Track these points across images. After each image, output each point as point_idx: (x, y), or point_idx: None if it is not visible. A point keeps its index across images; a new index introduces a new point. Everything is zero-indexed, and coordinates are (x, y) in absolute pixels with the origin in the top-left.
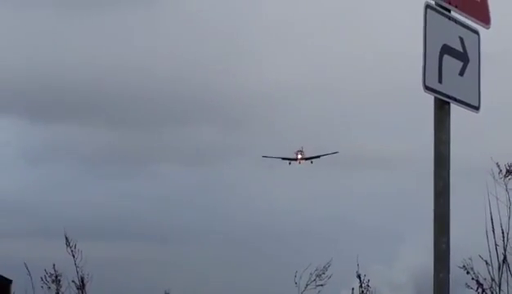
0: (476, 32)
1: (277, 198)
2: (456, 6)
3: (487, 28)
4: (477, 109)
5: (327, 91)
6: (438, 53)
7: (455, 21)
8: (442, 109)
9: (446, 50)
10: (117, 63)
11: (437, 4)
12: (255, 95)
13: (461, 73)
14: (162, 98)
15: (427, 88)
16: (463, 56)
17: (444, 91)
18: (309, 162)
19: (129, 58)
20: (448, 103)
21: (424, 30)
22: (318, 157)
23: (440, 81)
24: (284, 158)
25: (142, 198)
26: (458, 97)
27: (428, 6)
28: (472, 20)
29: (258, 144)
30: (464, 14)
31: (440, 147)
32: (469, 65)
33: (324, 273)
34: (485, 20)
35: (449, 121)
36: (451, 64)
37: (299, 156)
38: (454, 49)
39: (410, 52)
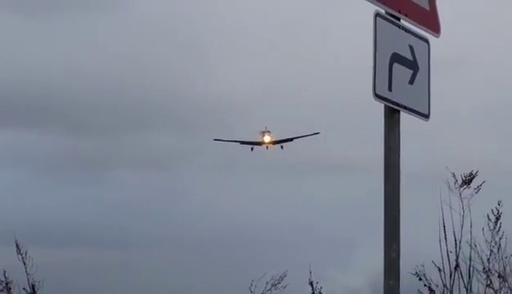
0: (426, 40)
1: (233, 203)
2: (406, 15)
3: (437, 36)
4: (427, 117)
5: (286, 98)
6: (388, 61)
7: (405, 30)
8: (391, 117)
9: (396, 58)
10: (74, 67)
11: (386, 13)
12: (213, 101)
13: (411, 82)
14: (118, 103)
15: (377, 96)
16: (413, 65)
17: (394, 99)
18: (279, 146)
19: (86, 62)
20: (398, 111)
21: (374, 39)
22: (291, 140)
23: (390, 89)
24: (243, 142)
25: (98, 204)
26: (408, 105)
27: (377, 15)
28: (422, 29)
29: (216, 149)
30: (414, 22)
31: (389, 154)
32: (418, 73)
33: (280, 283)
34: (435, 28)
35: (399, 129)
36: (401, 72)
37: (266, 138)
38: (404, 57)
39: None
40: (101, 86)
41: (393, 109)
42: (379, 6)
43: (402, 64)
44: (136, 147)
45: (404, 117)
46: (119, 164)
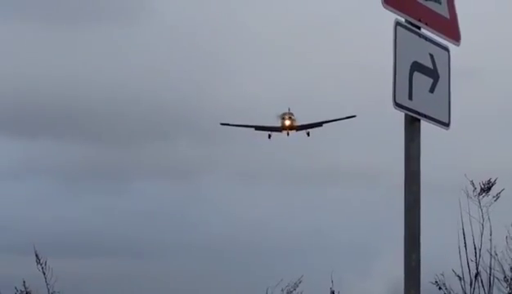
0: (446, 49)
1: (252, 211)
2: (426, 24)
3: (457, 45)
4: (447, 125)
5: (305, 105)
6: (409, 70)
7: (426, 38)
8: (412, 125)
9: (416, 67)
10: (92, 77)
11: (407, 21)
12: (232, 110)
13: (431, 90)
14: (137, 113)
15: (397, 105)
16: (433, 73)
17: (414, 108)
18: (304, 133)
19: (106, 73)
20: (419, 120)
21: (394, 47)
22: (320, 124)
23: (410, 98)
24: (259, 128)
25: (117, 214)
26: (428, 114)
27: (398, 24)
28: (442, 37)
29: (237, 158)
30: (434, 31)
31: (410, 163)
32: (439, 82)
33: (295, 290)
34: (455, 36)
35: (419, 137)
36: (422, 80)
37: (287, 122)
38: (424, 66)
39: (388, 67)
40: (119, 96)
41: (414, 117)
42: (400, 15)
43: (423, 73)
44: (155, 156)
45: (423, 124)
46: (137, 174)
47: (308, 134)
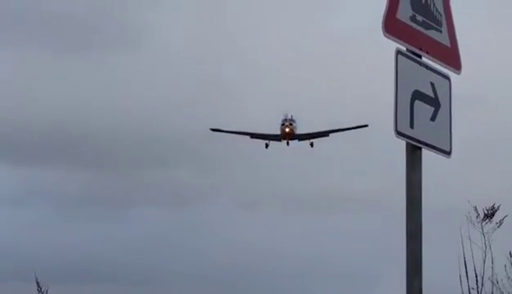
0: (447, 77)
1: (252, 237)
2: (427, 52)
3: (458, 73)
4: (448, 153)
5: (305, 130)
6: (410, 98)
7: (426, 67)
8: (413, 153)
9: (417, 95)
10: (95, 104)
11: (408, 50)
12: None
13: (433, 119)
14: (140, 140)
15: (399, 134)
16: (434, 102)
17: (416, 137)
18: (308, 144)
19: (107, 100)
20: (420, 148)
21: (396, 76)
22: (327, 134)
23: (412, 126)
24: (255, 135)
25: (119, 240)
26: (429, 142)
27: (399, 52)
28: (443, 66)
29: (237, 186)
30: (435, 60)
31: (412, 191)
32: (440, 110)
33: None
34: (456, 65)
35: (421, 165)
36: (423, 109)
37: (287, 130)
38: (425, 94)
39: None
40: (120, 122)
41: (415, 146)
42: (401, 44)
43: (424, 102)
44: (155, 183)
45: (425, 151)
46: (137, 201)
47: (312, 144)
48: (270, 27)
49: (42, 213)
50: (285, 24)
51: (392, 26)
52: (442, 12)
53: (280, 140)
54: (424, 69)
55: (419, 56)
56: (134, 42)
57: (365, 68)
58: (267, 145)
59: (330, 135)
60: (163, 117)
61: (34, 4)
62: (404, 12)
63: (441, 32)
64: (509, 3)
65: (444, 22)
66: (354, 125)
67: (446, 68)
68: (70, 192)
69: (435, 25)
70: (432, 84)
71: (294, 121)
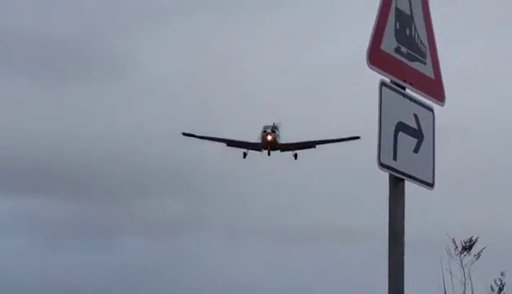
0: (431, 109)
1: (238, 270)
2: (411, 84)
3: (442, 105)
4: (431, 185)
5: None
6: (393, 130)
7: (410, 99)
8: (396, 185)
9: (401, 127)
10: (79, 133)
11: (392, 82)
12: (222, 167)
13: (416, 150)
14: (125, 170)
15: (382, 165)
16: (418, 133)
17: (399, 169)
18: (291, 154)
19: (91, 128)
20: (403, 180)
21: (380, 107)
22: (313, 145)
23: (395, 158)
24: (232, 143)
25: (104, 270)
26: (413, 174)
27: (383, 84)
28: (427, 98)
29: (225, 217)
30: (419, 91)
31: (395, 223)
32: (423, 142)
33: None
34: (440, 97)
35: (403, 198)
36: (406, 141)
37: (269, 137)
38: (409, 126)
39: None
40: (108, 152)
41: (398, 177)
42: (385, 75)
43: (407, 133)
44: (142, 213)
45: (407, 183)
46: (125, 230)
47: (296, 156)
48: (258, 54)
49: (28, 243)
50: (274, 52)
51: (376, 57)
52: (426, 44)
53: (260, 150)
54: (408, 100)
55: (403, 88)
56: (119, 70)
57: (350, 97)
58: (245, 155)
59: (317, 146)
60: (149, 146)
61: (19, 32)
62: (388, 43)
63: (425, 63)
64: (492, 36)
65: (428, 54)
66: (344, 136)
67: (429, 99)
68: (56, 221)
69: (419, 57)
70: (415, 116)
71: (277, 128)
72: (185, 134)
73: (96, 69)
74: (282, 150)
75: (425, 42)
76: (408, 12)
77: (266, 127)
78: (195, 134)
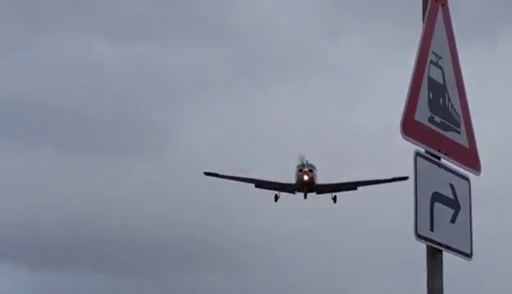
0: (466, 178)
1: None
2: (446, 154)
3: (478, 174)
4: (469, 256)
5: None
6: (429, 201)
7: (446, 169)
8: (434, 257)
9: (437, 197)
10: (110, 207)
11: (427, 152)
12: (258, 237)
13: (453, 221)
14: (155, 243)
15: (419, 236)
16: (454, 204)
17: (436, 240)
18: (330, 198)
19: (122, 202)
20: (441, 251)
21: (415, 178)
22: (354, 187)
23: (432, 229)
24: (261, 183)
25: None
26: (450, 245)
27: (418, 154)
28: (462, 167)
29: (263, 287)
30: (454, 161)
31: None
32: (460, 212)
33: None
34: (475, 166)
35: (441, 269)
36: (443, 211)
37: (306, 177)
38: (445, 196)
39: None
40: (136, 226)
41: (436, 249)
42: (419, 146)
43: (444, 204)
44: (179, 284)
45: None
46: None
47: (335, 199)
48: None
49: None
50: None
51: (410, 128)
52: (460, 113)
53: (294, 192)
54: (444, 170)
55: (438, 158)
56: (151, 144)
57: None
58: (276, 198)
59: (359, 188)
60: (185, 217)
61: (49, 101)
62: (422, 113)
63: (459, 133)
64: None
65: (462, 123)
66: (390, 177)
67: (465, 169)
68: None
69: (454, 126)
70: (451, 186)
71: (313, 167)
72: (207, 173)
73: (128, 142)
74: (318, 193)
75: (459, 110)
76: (441, 81)
77: (301, 166)
78: (218, 173)
